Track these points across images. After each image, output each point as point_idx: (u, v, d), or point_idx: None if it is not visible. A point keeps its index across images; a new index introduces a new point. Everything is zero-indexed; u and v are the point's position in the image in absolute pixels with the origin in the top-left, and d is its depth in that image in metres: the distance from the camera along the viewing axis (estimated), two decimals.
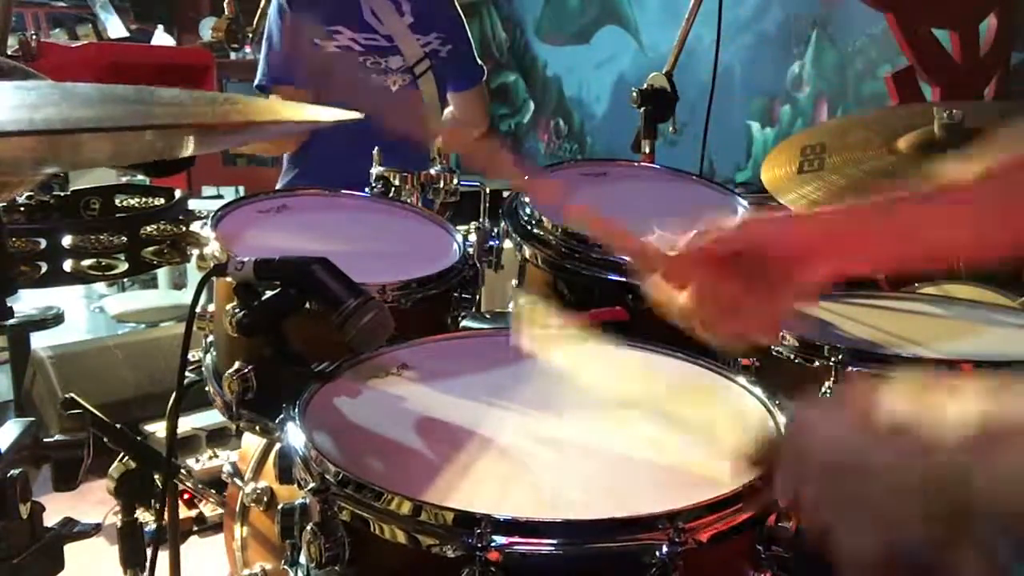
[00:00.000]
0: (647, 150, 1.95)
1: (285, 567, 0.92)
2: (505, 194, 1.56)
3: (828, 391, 1.14)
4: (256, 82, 2.35)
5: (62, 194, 1.82)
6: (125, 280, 4.12)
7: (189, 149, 0.90)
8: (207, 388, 1.28)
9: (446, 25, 2.44)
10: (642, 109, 1.94)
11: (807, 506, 0.65)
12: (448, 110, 2.53)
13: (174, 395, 1.16)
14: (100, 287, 4.10)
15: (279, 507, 0.84)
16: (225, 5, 3.46)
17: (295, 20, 2.27)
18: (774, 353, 1.29)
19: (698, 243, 0.87)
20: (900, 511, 0.60)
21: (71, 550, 1.08)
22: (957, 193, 0.83)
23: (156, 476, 1.28)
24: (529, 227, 1.40)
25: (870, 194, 0.86)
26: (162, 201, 1.99)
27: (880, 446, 0.61)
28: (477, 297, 1.32)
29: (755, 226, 0.89)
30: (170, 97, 0.91)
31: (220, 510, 1.89)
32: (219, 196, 4.24)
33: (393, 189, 1.53)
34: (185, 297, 3.81)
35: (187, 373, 1.26)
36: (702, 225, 0.88)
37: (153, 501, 1.29)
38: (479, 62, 2.56)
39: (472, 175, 1.81)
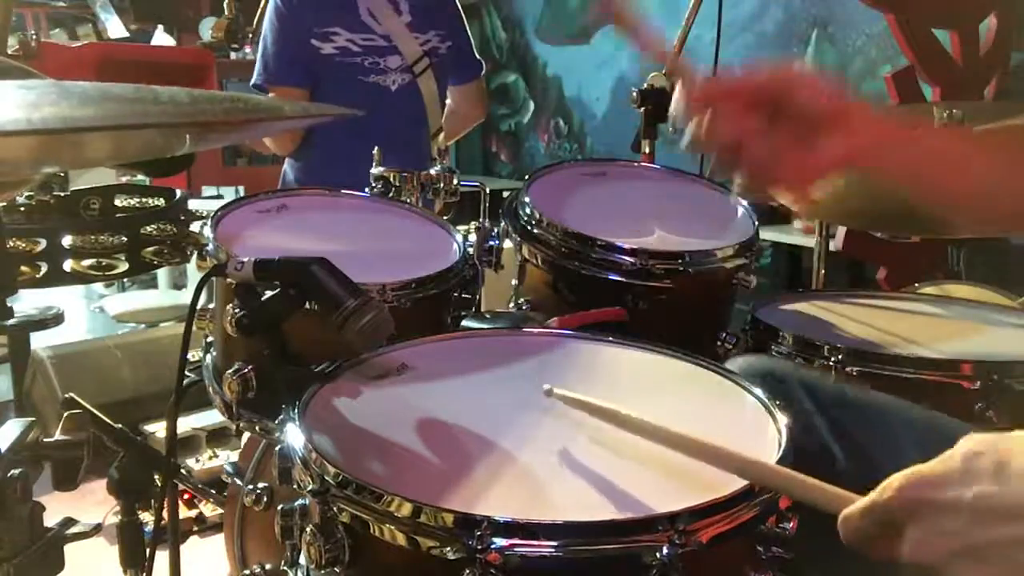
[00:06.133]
0: (647, 150, 1.95)
1: (285, 568, 0.92)
2: (505, 194, 1.56)
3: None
4: (252, 82, 2.35)
5: (62, 194, 1.82)
6: (125, 280, 4.12)
7: (189, 145, 0.90)
8: (207, 388, 1.28)
9: (445, 22, 2.43)
10: (642, 109, 1.94)
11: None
12: (447, 104, 2.53)
13: (174, 395, 1.16)
14: (100, 287, 4.10)
15: (279, 508, 0.84)
16: (225, 5, 3.46)
17: (292, 20, 2.27)
18: (774, 353, 1.29)
19: (733, 76, 0.86)
20: None
21: (71, 550, 1.08)
22: (977, 138, 0.82)
23: (156, 476, 1.28)
24: (529, 227, 1.40)
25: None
26: (162, 201, 1.99)
27: None
28: (477, 297, 1.32)
29: (794, 70, 0.87)
30: (169, 95, 0.91)
31: (220, 510, 1.89)
32: (219, 196, 4.24)
33: (393, 189, 1.53)
34: (185, 297, 3.80)
35: (187, 373, 1.26)
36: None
37: (153, 501, 1.29)
38: (477, 56, 2.56)
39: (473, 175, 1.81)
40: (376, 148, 1.57)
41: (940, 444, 0.94)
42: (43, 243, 1.74)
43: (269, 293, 1.00)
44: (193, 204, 1.98)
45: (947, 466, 0.57)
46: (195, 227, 1.87)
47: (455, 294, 1.24)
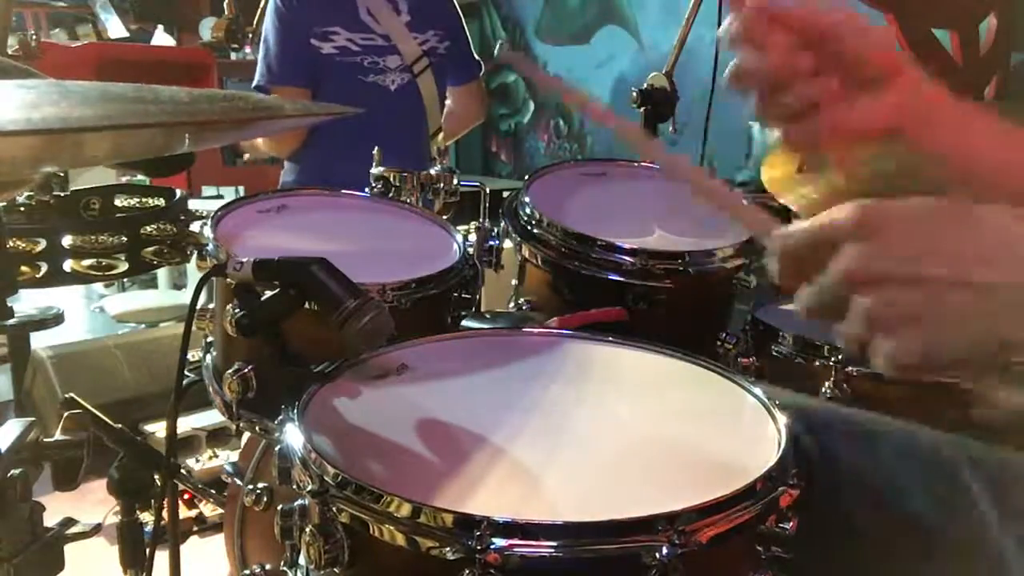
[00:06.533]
0: None
1: (285, 568, 0.92)
2: (505, 194, 1.56)
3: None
4: (255, 83, 2.35)
5: (62, 194, 1.83)
6: (125, 280, 4.12)
7: (189, 145, 0.90)
8: (207, 388, 1.28)
9: (444, 21, 2.44)
10: (642, 109, 1.94)
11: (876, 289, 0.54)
12: (447, 104, 2.53)
13: (174, 395, 1.16)
14: (100, 287, 4.10)
15: (279, 508, 0.84)
16: (225, 5, 3.47)
17: (292, 20, 2.27)
18: (774, 353, 1.29)
19: (789, 7, 0.78)
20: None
21: (71, 550, 1.08)
22: None
23: (156, 476, 1.28)
24: (529, 227, 1.40)
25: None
26: (162, 201, 1.99)
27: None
28: (477, 297, 1.32)
29: (857, 16, 0.79)
30: (169, 95, 0.91)
31: (220, 510, 1.89)
32: (219, 196, 4.24)
33: (393, 189, 1.53)
34: (185, 297, 3.80)
35: (187, 373, 1.26)
36: None
37: (153, 501, 1.29)
38: (476, 56, 2.56)
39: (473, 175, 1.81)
40: (376, 148, 1.57)
41: (928, 461, 0.94)
42: (43, 243, 1.74)
43: (269, 293, 1.00)
44: (193, 204, 1.98)
45: (909, 204, 0.57)
46: (195, 227, 1.87)
47: (455, 294, 1.24)
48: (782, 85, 0.78)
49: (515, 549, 0.69)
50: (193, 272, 3.11)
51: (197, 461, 2.60)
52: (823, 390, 1.19)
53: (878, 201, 0.57)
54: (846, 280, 0.55)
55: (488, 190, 1.71)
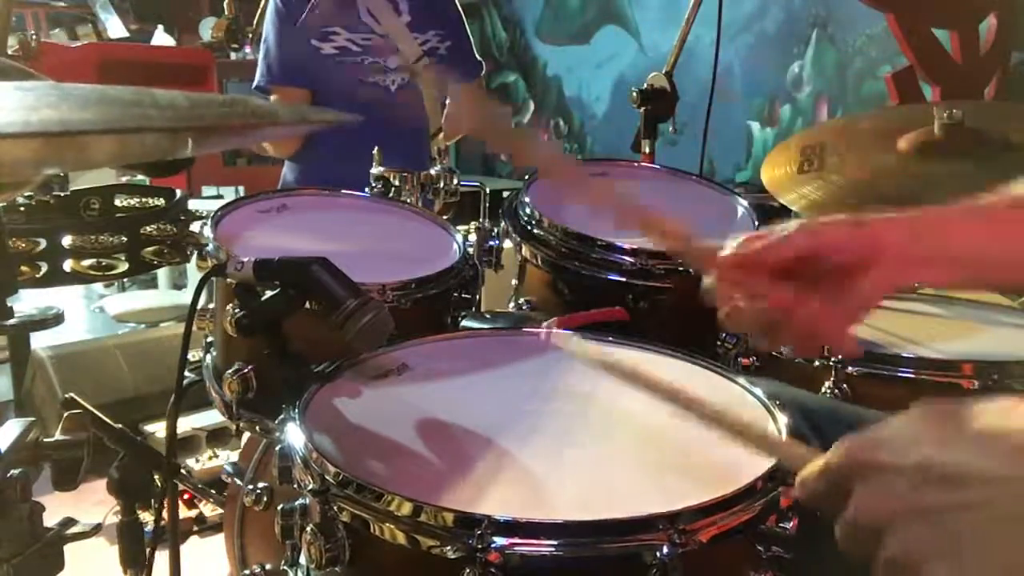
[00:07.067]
0: (647, 150, 1.95)
1: (285, 567, 0.92)
2: (505, 194, 1.56)
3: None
4: (255, 84, 2.35)
5: (62, 194, 1.82)
6: (125, 280, 4.12)
7: (189, 149, 0.90)
8: (207, 388, 1.28)
9: (444, 22, 2.43)
10: (642, 109, 1.94)
11: (890, 532, 0.53)
12: (447, 104, 2.53)
13: (174, 395, 1.16)
14: (100, 287, 4.10)
15: (279, 507, 0.84)
16: (225, 5, 3.47)
17: (292, 21, 2.27)
18: (774, 353, 1.29)
19: (753, 247, 0.84)
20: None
21: (71, 550, 1.08)
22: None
23: (156, 476, 1.28)
24: (529, 227, 1.40)
25: (887, 200, 0.84)
26: (162, 201, 1.99)
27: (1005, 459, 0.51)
28: (477, 297, 1.32)
29: (816, 230, 0.84)
30: (168, 99, 0.91)
31: (220, 510, 1.89)
32: (219, 196, 4.24)
33: (393, 189, 1.53)
34: (185, 297, 3.80)
35: (187, 373, 1.26)
36: (756, 234, 0.86)
37: (153, 501, 1.29)
38: (477, 57, 2.56)
39: (474, 175, 1.81)
40: (376, 148, 1.57)
41: None
42: (43, 243, 1.74)
43: (269, 293, 1.00)
44: (193, 204, 1.97)
45: (895, 430, 0.57)
46: (195, 227, 1.86)
47: (455, 294, 1.24)
48: (778, 317, 0.83)
49: (516, 548, 0.69)
50: (193, 272, 3.11)
51: (197, 461, 2.60)
52: (823, 390, 1.19)
53: (865, 435, 0.58)
54: (860, 526, 0.56)
55: (488, 190, 1.71)
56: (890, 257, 0.82)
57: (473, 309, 1.29)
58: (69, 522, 1.09)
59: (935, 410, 0.57)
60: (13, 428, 1.02)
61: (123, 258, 1.81)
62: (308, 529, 0.78)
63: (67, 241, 1.76)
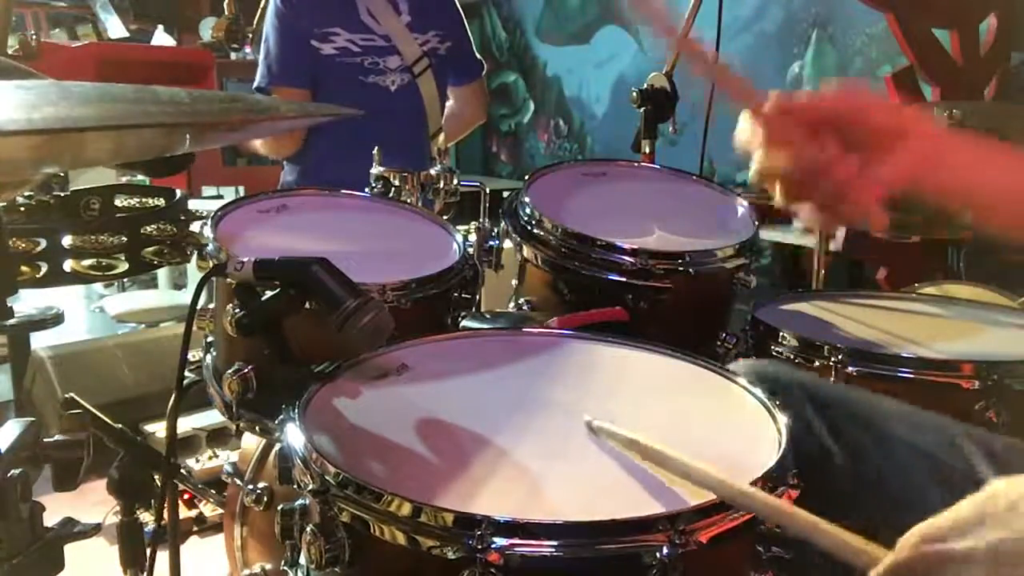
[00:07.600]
0: (647, 150, 1.95)
1: (285, 568, 0.92)
2: (505, 194, 1.56)
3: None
4: (256, 84, 2.35)
5: (62, 194, 1.82)
6: (125, 280, 4.12)
7: (187, 146, 0.90)
8: (207, 388, 1.28)
9: (445, 22, 2.43)
10: (642, 109, 1.94)
11: None
12: (448, 104, 2.53)
13: (174, 395, 1.16)
14: (100, 287, 4.09)
15: (279, 508, 0.84)
16: (225, 5, 3.47)
17: (292, 21, 2.27)
18: (774, 353, 1.29)
19: (799, 101, 0.84)
20: None
21: (71, 550, 1.08)
22: None
23: (156, 476, 1.28)
24: (529, 227, 1.40)
25: None
26: (162, 201, 1.99)
27: None
28: (477, 297, 1.32)
29: (863, 92, 0.86)
30: (169, 95, 0.91)
31: (220, 510, 1.89)
32: (219, 196, 4.24)
33: (393, 189, 1.53)
34: (185, 297, 3.80)
35: (187, 373, 1.26)
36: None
37: (153, 501, 1.29)
38: (478, 56, 2.56)
39: (473, 175, 1.81)
40: (376, 148, 1.57)
41: (936, 444, 0.94)
42: (43, 243, 1.74)
43: (269, 293, 1.00)
44: (193, 204, 1.97)
45: (960, 516, 0.56)
46: (195, 227, 1.86)
47: (455, 294, 1.24)
48: (804, 175, 0.82)
49: (516, 548, 0.69)
50: (193, 272, 3.11)
51: (197, 461, 2.60)
52: None
53: (927, 525, 0.57)
54: None
55: (488, 190, 1.71)
56: (925, 132, 0.83)
57: (473, 309, 1.29)
58: (69, 522, 1.09)
59: (992, 491, 0.57)
60: (13, 428, 1.02)
61: (123, 258, 1.81)
62: (308, 529, 0.78)
63: (67, 241, 1.76)
